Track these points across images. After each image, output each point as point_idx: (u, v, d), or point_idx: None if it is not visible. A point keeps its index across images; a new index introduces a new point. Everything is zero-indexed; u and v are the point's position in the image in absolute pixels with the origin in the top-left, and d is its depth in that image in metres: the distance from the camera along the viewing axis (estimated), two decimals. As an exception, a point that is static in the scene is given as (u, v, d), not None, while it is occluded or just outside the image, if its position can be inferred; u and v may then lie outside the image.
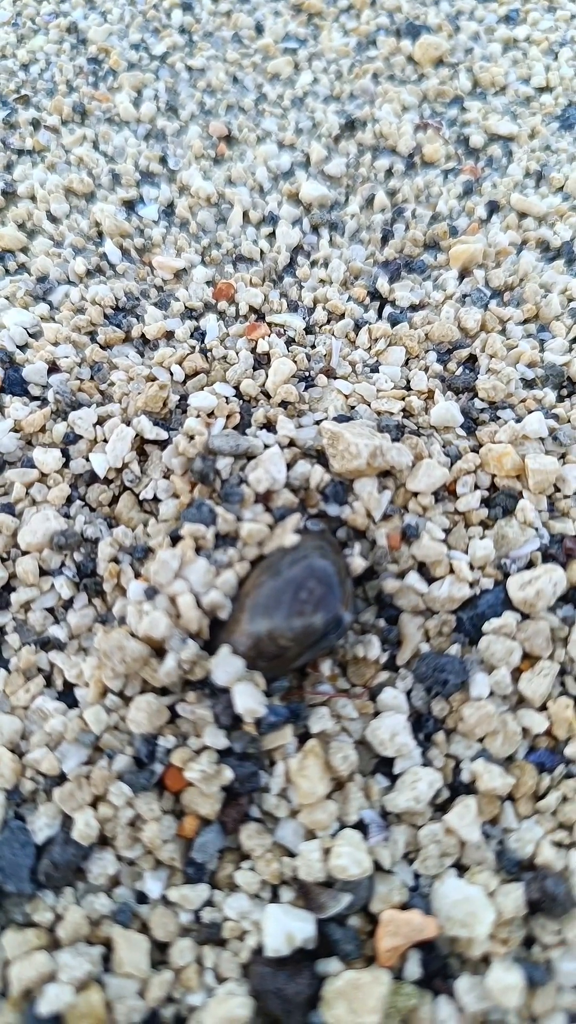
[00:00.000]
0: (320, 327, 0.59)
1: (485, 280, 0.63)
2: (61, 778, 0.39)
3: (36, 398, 0.54)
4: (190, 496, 0.46)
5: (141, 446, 0.50)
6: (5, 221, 0.69)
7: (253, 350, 0.56)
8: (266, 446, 0.47)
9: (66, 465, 0.49)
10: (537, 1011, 0.35)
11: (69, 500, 0.48)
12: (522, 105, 0.81)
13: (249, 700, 0.38)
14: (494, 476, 0.48)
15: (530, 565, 0.45)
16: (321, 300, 0.61)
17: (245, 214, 0.69)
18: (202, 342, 0.57)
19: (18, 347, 0.57)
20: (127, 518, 0.47)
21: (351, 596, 0.41)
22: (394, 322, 0.59)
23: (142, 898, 0.38)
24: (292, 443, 0.48)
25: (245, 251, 0.66)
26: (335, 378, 0.54)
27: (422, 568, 0.45)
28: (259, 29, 0.88)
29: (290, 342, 0.58)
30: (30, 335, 0.58)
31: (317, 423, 0.50)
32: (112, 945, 0.36)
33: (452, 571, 0.44)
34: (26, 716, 0.42)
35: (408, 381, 0.54)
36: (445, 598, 0.43)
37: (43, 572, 0.46)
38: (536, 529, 0.46)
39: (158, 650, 0.40)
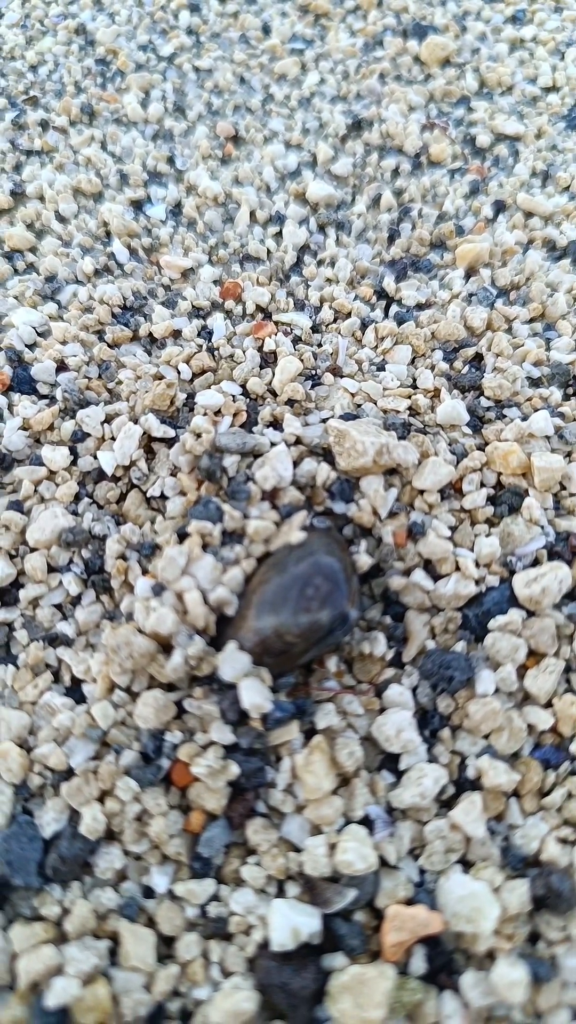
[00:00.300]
0: (327, 326, 0.59)
1: (491, 279, 0.63)
2: (69, 773, 0.39)
3: (44, 396, 0.54)
4: (197, 493, 0.46)
5: (148, 444, 0.50)
6: (14, 221, 0.69)
7: (260, 349, 0.57)
8: (273, 444, 0.48)
9: (74, 463, 0.50)
10: (542, 1007, 0.35)
11: (77, 497, 0.48)
12: (528, 105, 0.81)
13: (255, 696, 0.38)
14: (500, 474, 0.48)
15: (536, 562, 0.45)
16: (328, 299, 0.61)
17: (252, 214, 0.69)
18: (209, 341, 0.58)
19: (27, 346, 0.58)
20: (135, 515, 0.47)
21: (357, 593, 0.41)
22: (400, 321, 0.59)
23: (149, 892, 0.38)
24: (299, 441, 0.48)
25: (252, 250, 0.66)
26: (341, 376, 0.54)
27: (428, 565, 0.45)
28: (266, 30, 0.88)
29: (297, 341, 0.58)
30: (39, 334, 0.59)
31: (324, 421, 0.50)
32: (119, 939, 0.36)
33: (458, 568, 0.44)
34: (34, 711, 0.42)
35: (414, 379, 0.54)
36: (451, 595, 0.43)
37: (51, 569, 0.46)
38: (542, 527, 0.46)
39: (165, 646, 0.40)
